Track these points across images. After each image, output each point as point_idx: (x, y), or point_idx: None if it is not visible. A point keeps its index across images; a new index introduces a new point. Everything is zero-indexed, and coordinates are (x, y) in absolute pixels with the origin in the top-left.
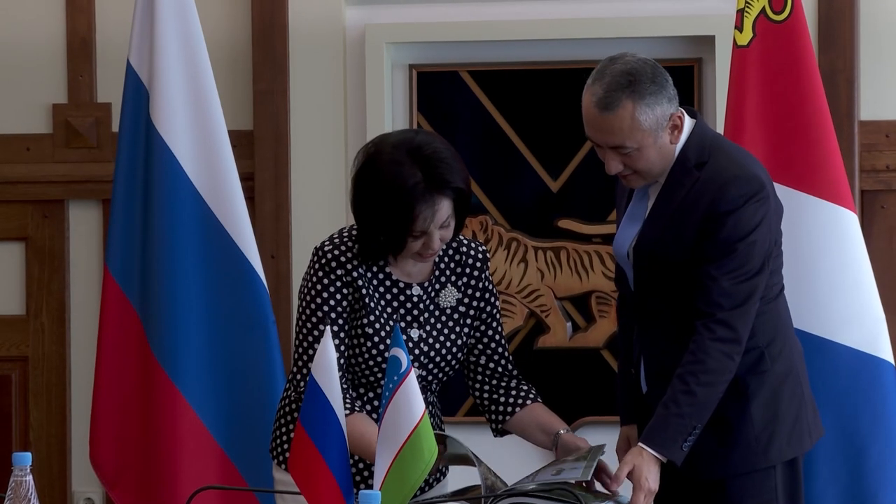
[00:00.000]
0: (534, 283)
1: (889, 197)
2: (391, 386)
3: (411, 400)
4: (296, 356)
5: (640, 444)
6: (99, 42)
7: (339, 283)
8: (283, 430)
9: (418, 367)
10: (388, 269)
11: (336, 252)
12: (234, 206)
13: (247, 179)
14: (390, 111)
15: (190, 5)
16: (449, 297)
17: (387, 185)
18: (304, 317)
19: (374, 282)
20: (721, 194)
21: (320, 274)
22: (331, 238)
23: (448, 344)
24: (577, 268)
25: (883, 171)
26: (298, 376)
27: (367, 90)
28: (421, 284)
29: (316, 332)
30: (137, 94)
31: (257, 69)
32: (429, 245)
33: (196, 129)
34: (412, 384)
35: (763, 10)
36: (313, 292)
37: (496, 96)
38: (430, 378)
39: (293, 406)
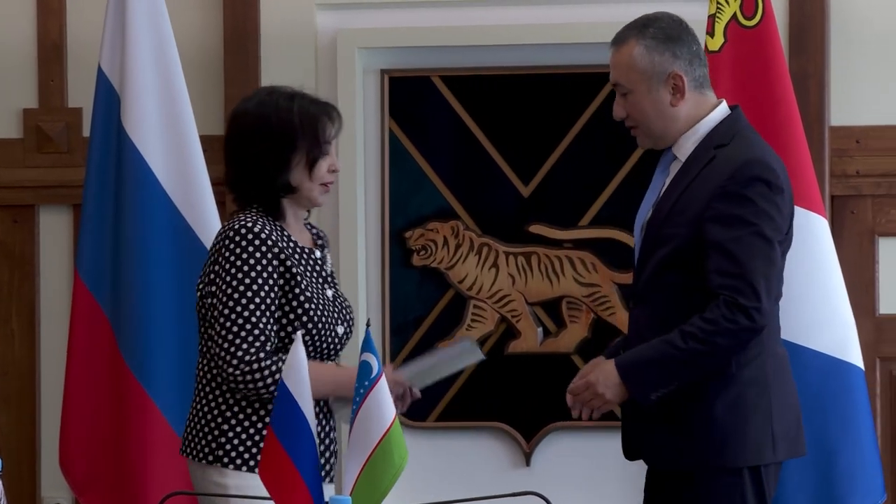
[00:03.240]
0: (505, 288)
1: (859, 202)
2: (361, 391)
3: (382, 405)
4: (230, 336)
5: (615, 365)
6: (70, 46)
7: (269, 255)
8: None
9: (344, 325)
10: (293, 238)
11: (261, 227)
12: (206, 211)
13: (218, 184)
14: (362, 116)
15: (162, 10)
16: (329, 262)
17: (297, 107)
18: (237, 293)
19: (294, 252)
20: (734, 172)
21: (250, 250)
22: (242, 220)
23: (348, 301)
24: (548, 273)
25: (853, 176)
26: (236, 364)
27: (339, 95)
28: (318, 248)
29: (253, 306)
30: (109, 98)
31: (229, 74)
32: (334, 164)
33: (167, 134)
34: (383, 389)
35: (734, 16)
36: (246, 268)
37: (468, 102)
38: (351, 335)
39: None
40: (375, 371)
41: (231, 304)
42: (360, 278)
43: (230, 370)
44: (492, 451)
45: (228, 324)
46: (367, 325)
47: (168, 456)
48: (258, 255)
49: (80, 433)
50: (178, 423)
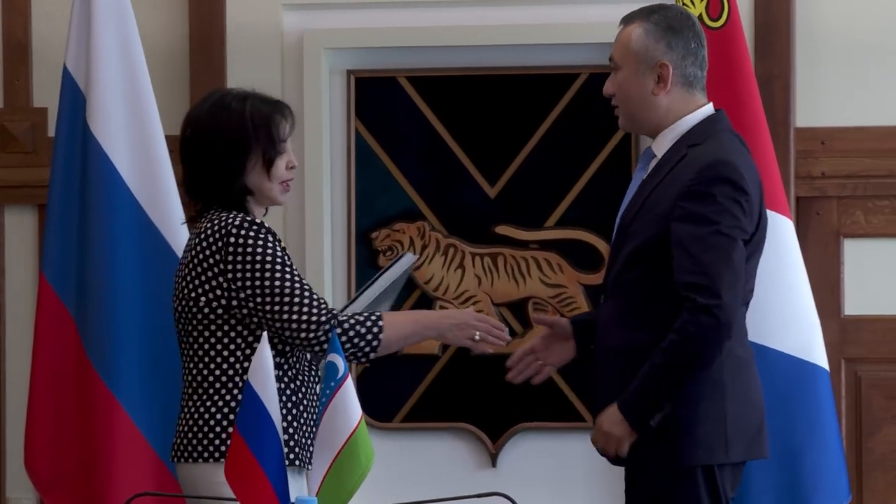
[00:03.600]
0: (471, 289)
1: (824, 203)
2: (328, 392)
3: (348, 406)
4: (296, 308)
5: (617, 404)
6: (35, 46)
7: (278, 242)
8: None
9: None
10: None
11: (260, 220)
12: (171, 211)
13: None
14: (328, 117)
15: (127, 10)
16: None
17: (249, 109)
18: (278, 272)
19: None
20: (701, 172)
21: (262, 235)
22: (235, 216)
23: None
24: (514, 274)
25: (818, 177)
26: (310, 321)
27: (306, 96)
28: None
29: (297, 277)
30: (74, 98)
31: (195, 75)
32: (291, 161)
33: (133, 134)
34: (349, 390)
35: (700, 17)
36: (269, 250)
37: (434, 102)
38: None
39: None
40: (342, 372)
41: (278, 283)
42: (327, 278)
43: (312, 336)
44: (458, 452)
45: (287, 299)
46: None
47: (133, 456)
48: (271, 239)
49: (45, 433)
50: (144, 422)
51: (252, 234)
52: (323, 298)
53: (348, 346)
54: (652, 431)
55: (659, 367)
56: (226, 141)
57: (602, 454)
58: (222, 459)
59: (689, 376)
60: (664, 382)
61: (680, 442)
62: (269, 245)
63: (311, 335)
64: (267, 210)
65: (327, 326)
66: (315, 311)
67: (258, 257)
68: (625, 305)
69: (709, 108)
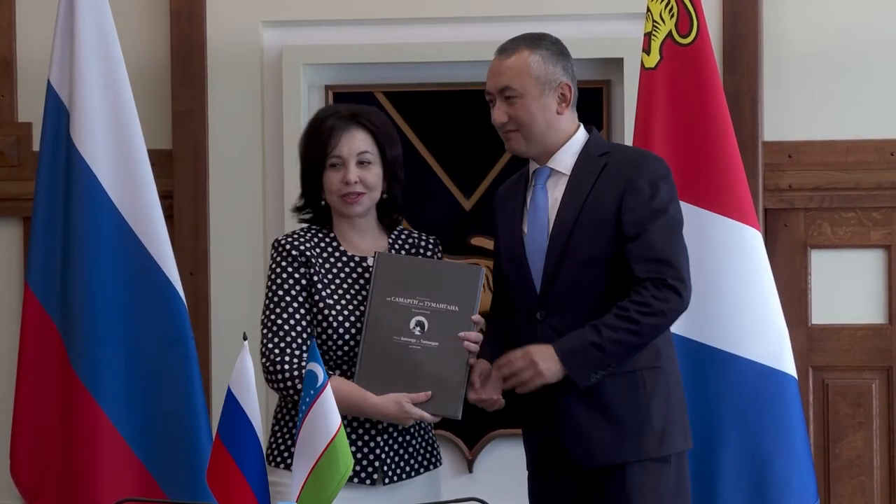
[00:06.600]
0: None
1: (791, 215)
2: (308, 400)
3: (328, 414)
4: (263, 339)
5: (553, 346)
6: (20, 62)
7: (296, 264)
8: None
9: None
10: (342, 248)
11: (290, 238)
12: (154, 223)
13: (166, 198)
14: None
15: (110, 26)
16: None
17: (314, 123)
18: (268, 300)
19: (332, 260)
20: (636, 171)
21: (278, 259)
22: (283, 235)
23: None
24: (488, 283)
25: (786, 190)
26: (276, 359)
27: (284, 110)
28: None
29: (276, 313)
30: (58, 113)
31: (176, 89)
32: (346, 178)
33: (116, 147)
34: (328, 398)
35: (670, 34)
36: (273, 276)
37: (410, 116)
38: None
39: (286, 406)
40: (321, 381)
41: (266, 311)
42: None
43: (264, 362)
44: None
45: (263, 328)
46: (313, 336)
47: (118, 463)
48: (283, 264)
49: (30, 441)
50: (127, 429)
51: (273, 255)
52: (292, 340)
53: (281, 384)
54: (587, 386)
55: (617, 333)
56: (301, 154)
57: (507, 379)
58: None
59: (637, 348)
60: (617, 349)
61: (666, 433)
62: (277, 271)
63: (265, 363)
64: (396, 219)
65: (269, 365)
66: (269, 346)
67: (268, 281)
68: (582, 313)
69: (584, 128)
